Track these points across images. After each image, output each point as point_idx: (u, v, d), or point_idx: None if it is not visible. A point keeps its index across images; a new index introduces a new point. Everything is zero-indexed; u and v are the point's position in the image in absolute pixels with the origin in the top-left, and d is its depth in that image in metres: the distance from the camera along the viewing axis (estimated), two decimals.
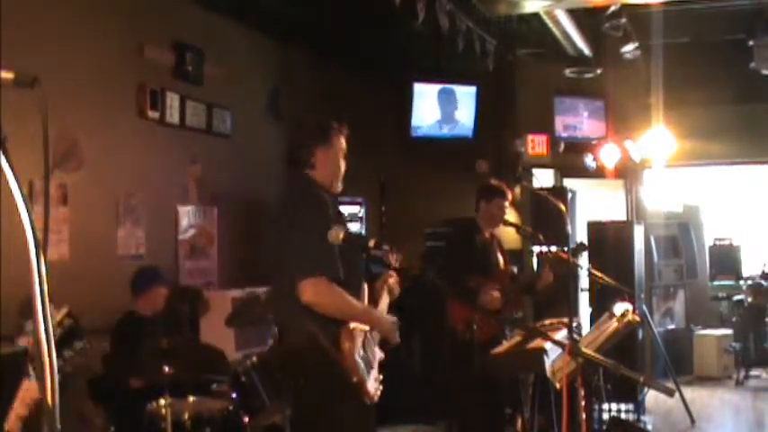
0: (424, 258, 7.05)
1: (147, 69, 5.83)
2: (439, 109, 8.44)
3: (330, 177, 3.21)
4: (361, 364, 2.93)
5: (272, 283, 3.17)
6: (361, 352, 2.98)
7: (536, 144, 8.79)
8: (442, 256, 5.64)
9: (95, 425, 4.44)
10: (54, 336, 1.54)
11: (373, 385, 3.03)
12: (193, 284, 6.14)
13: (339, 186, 3.26)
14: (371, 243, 2.65)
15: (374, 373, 3.08)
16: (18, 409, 1.69)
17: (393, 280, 3.33)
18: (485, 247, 5.15)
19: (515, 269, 6.31)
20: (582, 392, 3.18)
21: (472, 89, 8.53)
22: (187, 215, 6.29)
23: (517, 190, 7.63)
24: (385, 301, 3.30)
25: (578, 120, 8.94)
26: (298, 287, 2.88)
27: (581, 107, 8.95)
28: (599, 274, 5.14)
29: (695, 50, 8.20)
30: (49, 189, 2.39)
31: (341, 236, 2.61)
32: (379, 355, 3.19)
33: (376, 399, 3.03)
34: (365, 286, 3.19)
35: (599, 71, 8.39)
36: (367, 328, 3.06)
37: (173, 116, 6.04)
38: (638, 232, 7.36)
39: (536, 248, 7.22)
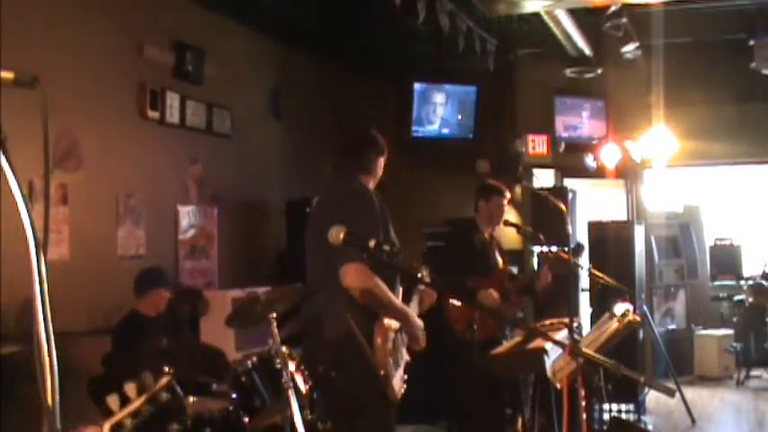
0: (424, 258, 7.04)
1: (147, 69, 5.83)
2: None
3: (374, 184, 3.43)
4: (390, 360, 3.03)
5: (308, 276, 3.23)
6: (391, 350, 3.08)
7: (536, 144, 8.79)
8: (442, 256, 5.64)
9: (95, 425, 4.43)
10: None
11: (398, 383, 3.12)
12: (193, 284, 6.14)
13: None
14: (371, 243, 2.63)
15: (400, 372, 3.17)
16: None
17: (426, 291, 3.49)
18: (484, 248, 5.15)
19: (515, 270, 6.31)
20: (582, 393, 3.18)
21: (472, 89, 8.53)
22: (187, 215, 6.29)
23: (518, 190, 7.64)
24: (414, 307, 3.35)
25: (579, 120, 8.94)
26: (340, 272, 2.95)
27: (581, 107, 8.94)
28: (599, 274, 5.13)
29: (696, 50, 8.19)
30: (49, 189, 2.39)
31: (341, 236, 2.60)
32: (405, 357, 3.27)
33: (399, 396, 3.13)
34: (399, 291, 3.27)
35: (599, 71, 8.38)
36: (398, 325, 3.16)
37: (173, 116, 6.04)
38: (639, 232, 7.35)
39: (537, 248, 7.22)
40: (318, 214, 3.27)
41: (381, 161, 3.46)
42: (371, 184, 3.41)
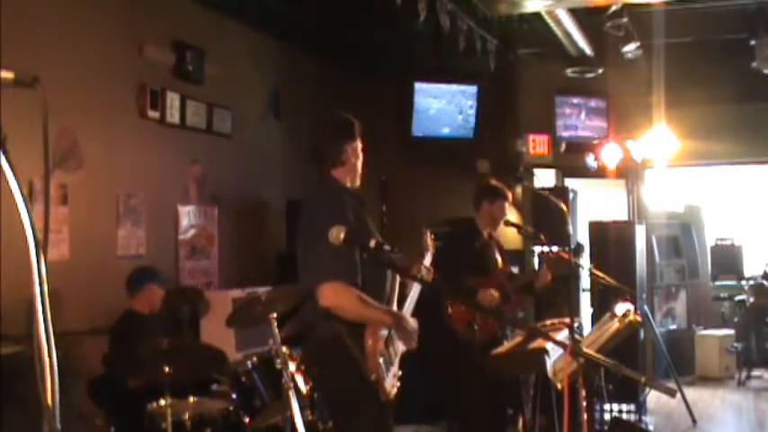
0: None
1: (147, 69, 5.82)
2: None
3: (353, 174, 3.27)
4: (382, 363, 2.99)
5: (301, 280, 3.20)
6: (383, 350, 3.03)
7: (537, 144, 8.78)
8: (442, 256, 5.63)
9: (95, 425, 4.43)
10: None
11: (390, 382, 3.07)
12: (194, 284, 6.14)
13: (357, 182, 3.31)
14: (372, 244, 2.64)
15: (393, 369, 3.13)
16: None
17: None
18: (484, 248, 5.14)
19: (515, 269, 6.30)
20: (583, 393, 3.17)
21: (472, 88, 8.52)
22: (187, 215, 6.29)
23: (518, 190, 7.64)
24: (415, 291, 3.32)
25: (579, 119, 8.93)
26: (317, 291, 2.94)
27: (582, 107, 8.94)
28: (600, 274, 5.13)
29: (697, 50, 8.19)
30: (49, 189, 2.39)
31: (341, 236, 2.61)
32: (401, 348, 3.21)
33: (392, 396, 3.08)
34: (390, 286, 3.22)
35: (600, 71, 8.38)
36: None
37: (173, 116, 6.04)
38: (640, 232, 7.34)
39: (537, 248, 7.21)
40: (301, 219, 3.21)
41: (349, 149, 3.22)
42: (351, 178, 3.25)
